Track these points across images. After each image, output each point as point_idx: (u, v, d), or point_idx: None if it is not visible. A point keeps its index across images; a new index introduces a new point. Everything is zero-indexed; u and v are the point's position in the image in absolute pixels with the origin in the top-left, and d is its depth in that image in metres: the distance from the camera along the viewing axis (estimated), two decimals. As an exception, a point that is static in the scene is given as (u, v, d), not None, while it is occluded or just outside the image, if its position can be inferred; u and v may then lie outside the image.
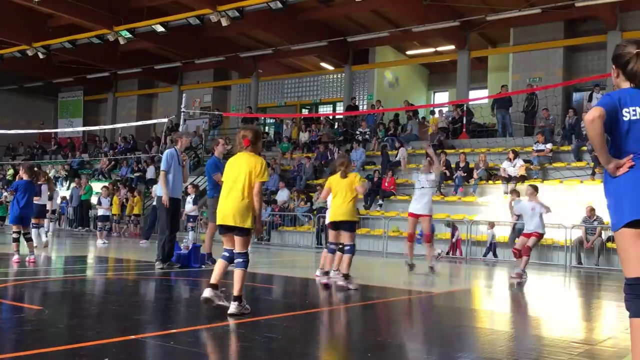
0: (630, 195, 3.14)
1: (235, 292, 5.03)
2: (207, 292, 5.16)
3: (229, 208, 5.13)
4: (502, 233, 15.17)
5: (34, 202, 12.47)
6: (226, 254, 5.29)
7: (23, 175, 9.23)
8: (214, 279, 5.23)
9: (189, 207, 14.87)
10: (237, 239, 5.15)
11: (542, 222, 9.83)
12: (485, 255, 14.95)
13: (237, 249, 5.16)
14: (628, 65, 3.24)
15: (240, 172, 5.17)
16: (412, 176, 10.94)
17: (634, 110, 3.20)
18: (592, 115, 3.11)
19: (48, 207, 16.32)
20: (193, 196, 15.05)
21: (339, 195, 7.46)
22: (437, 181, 11.08)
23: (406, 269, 9.94)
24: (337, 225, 7.55)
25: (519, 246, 10.02)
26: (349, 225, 7.45)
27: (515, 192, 14.82)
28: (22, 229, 9.08)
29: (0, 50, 23.91)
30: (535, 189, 10.15)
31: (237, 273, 5.09)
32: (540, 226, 9.83)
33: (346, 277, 7.34)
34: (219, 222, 5.22)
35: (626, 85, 3.30)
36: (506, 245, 14.87)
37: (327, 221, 7.61)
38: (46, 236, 12.71)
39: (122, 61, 26.77)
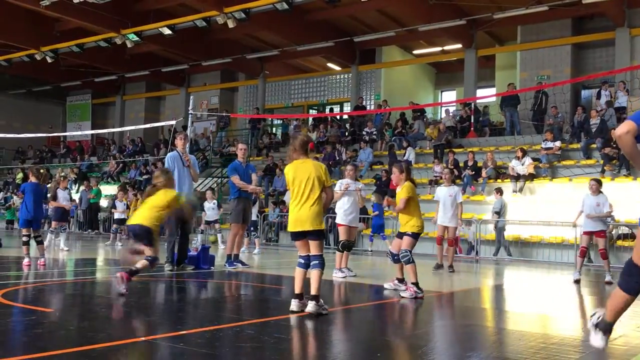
0: None
1: (313, 292, 5.21)
2: (293, 305, 5.29)
3: (303, 214, 5.27)
4: (511, 232, 15.14)
5: (57, 206, 12.53)
6: (302, 260, 5.39)
7: (32, 178, 9.23)
8: (297, 289, 5.34)
9: (211, 213, 14.78)
10: (313, 243, 5.32)
11: (603, 219, 9.62)
12: (469, 253, 15.14)
13: (313, 252, 5.32)
14: None
15: (310, 178, 5.30)
16: (435, 194, 11.15)
17: None
18: (620, 131, 3.24)
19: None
20: (215, 202, 14.94)
21: (417, 203, 7.13)
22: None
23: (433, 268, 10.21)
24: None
25: (585, 244, 9.80)
26: None
27: (499, 191, 15.21)
28: (32, 232, 9.10)
29: (8, 55, 24.09)
30: (600, 183, 9.81)
31: (315, 274, 5.26)
32: (602, 223, 9.63)
33: (417, 285, 6.85)
34: (294, 229, 5.33)
35: None
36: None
37: (407, 231, 6.97)
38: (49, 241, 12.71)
39: (129, 64, 26.90)
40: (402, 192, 7.04)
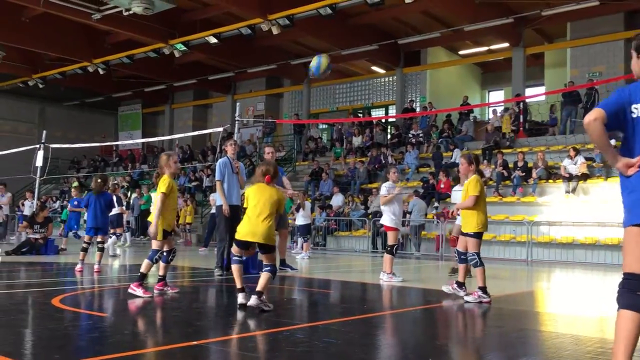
0: (637, 195, 3.00)
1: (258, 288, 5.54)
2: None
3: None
4: (565, 233, 14.76)
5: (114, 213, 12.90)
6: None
7: (97, 187, 9.37)
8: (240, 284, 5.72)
9: None
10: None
11: None
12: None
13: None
14: None
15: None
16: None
17: None
18: (589, 119, 3.03)
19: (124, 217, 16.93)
20: None
21: (484, 199, 6.83)
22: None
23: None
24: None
25: None
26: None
27: (413, 194, 15.28)
28: (97, 238, 9.31)
29: (63, 68, 24.98)
30: None
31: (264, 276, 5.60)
32: None
33: (484, 290, 6.68)
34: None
35: None
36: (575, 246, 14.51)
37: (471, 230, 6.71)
38: (114, 248, 13.03)
39: (177, 73, 27.49)
40: (470, 187, 6.66)
